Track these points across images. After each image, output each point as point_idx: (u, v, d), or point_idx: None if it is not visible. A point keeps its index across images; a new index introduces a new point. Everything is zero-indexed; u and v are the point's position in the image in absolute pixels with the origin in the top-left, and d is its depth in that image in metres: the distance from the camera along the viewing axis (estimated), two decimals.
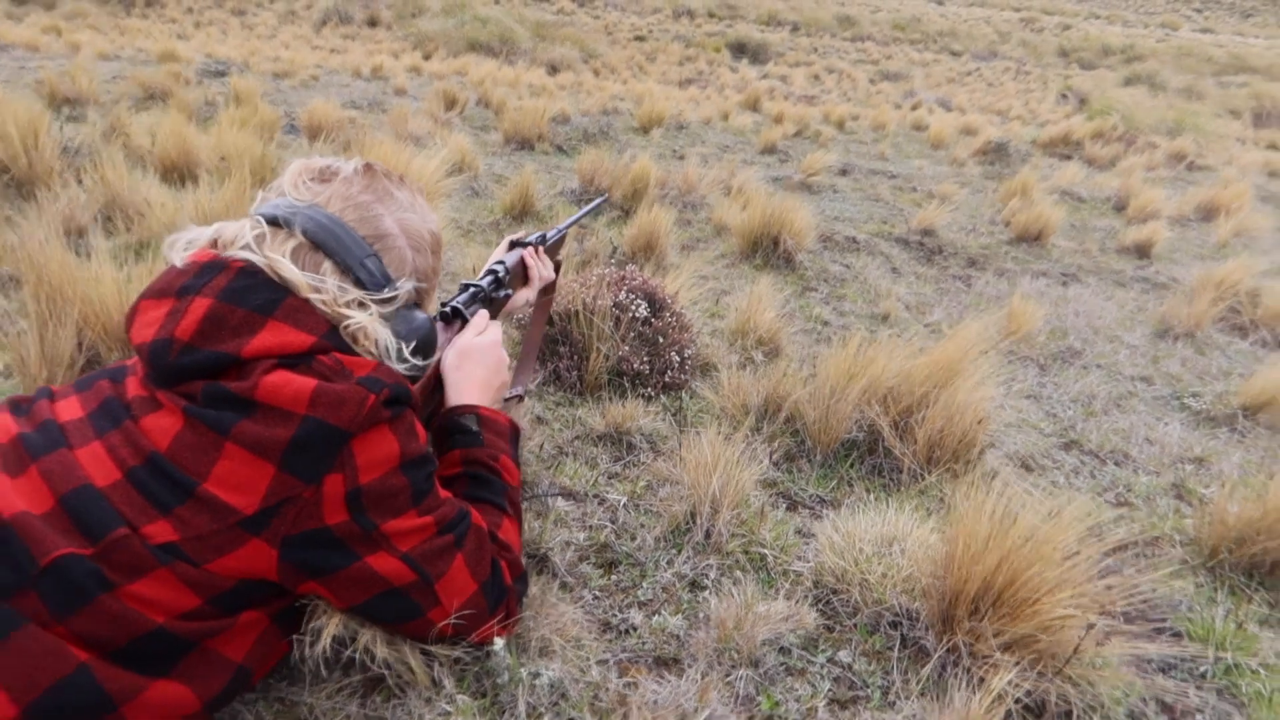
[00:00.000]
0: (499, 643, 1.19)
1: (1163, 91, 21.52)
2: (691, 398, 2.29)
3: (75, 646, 0.90)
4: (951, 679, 1.27)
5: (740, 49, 23.28)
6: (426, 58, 17.80)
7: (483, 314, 1.47)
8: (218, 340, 1.04)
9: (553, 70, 16.47)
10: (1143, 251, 5.65)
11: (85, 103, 6.06)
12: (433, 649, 1.17)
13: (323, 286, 1.11)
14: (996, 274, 4.97)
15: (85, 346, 1.76)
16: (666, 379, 2.31)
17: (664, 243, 3.76)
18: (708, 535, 1.60)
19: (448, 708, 1.14)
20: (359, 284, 1.15)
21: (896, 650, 1.39)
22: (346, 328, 1.11)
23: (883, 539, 1.55)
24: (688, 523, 1.64)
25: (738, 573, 1.54)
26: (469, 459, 1.29)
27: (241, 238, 1.12)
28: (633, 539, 1.61)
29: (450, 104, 7.97)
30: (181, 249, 1.14)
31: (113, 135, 4.28)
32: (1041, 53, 28.81)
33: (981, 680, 1.23)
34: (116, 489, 0.98)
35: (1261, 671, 1.54)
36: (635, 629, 1.38)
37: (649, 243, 3.69)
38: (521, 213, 4.38)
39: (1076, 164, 8.52)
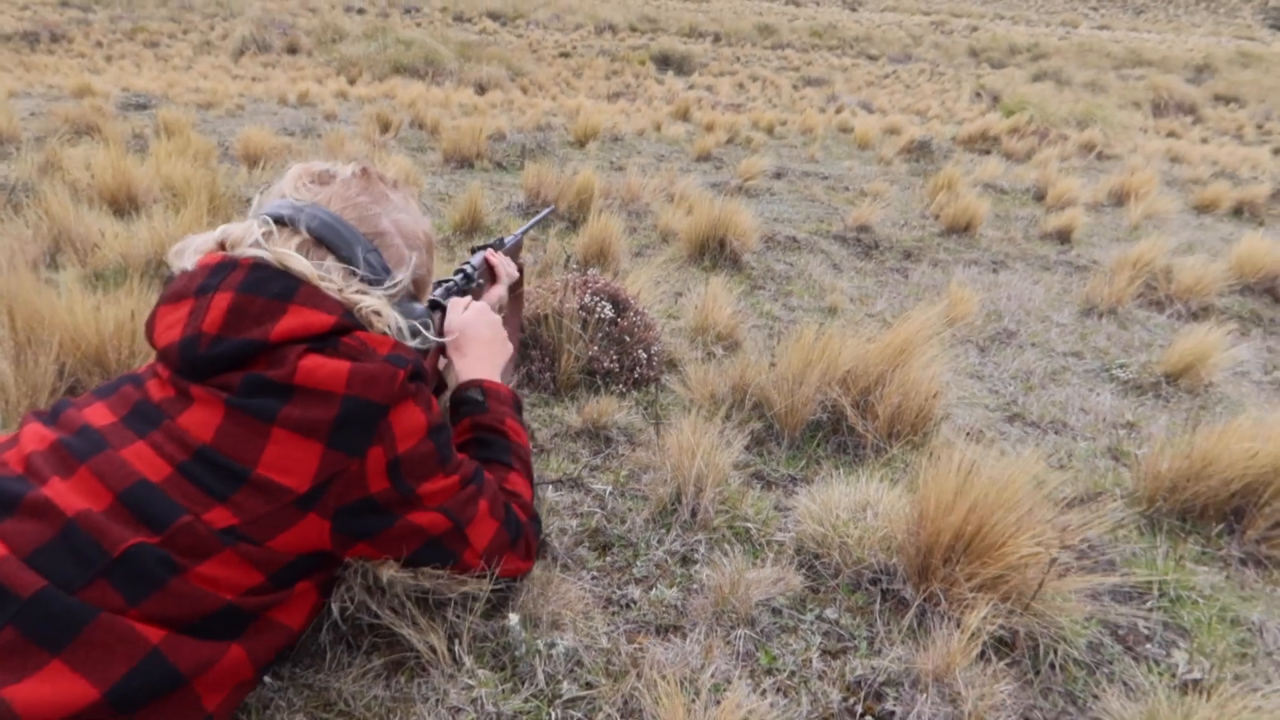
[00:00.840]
0: (514, 617, 1.26)
1: (1068, 86, 22.44)
2: (662, 391, 2.38)
3: (147, 629, 0.95)
4: (932, 622, 1.39)
5: (665, 61, 23.59)
6: (352, 82, 17.62)
7: (462, 299, 1.56)
8: (243, 329, 1.10)
9: (481, 90, 16.48)
10: (1063, 237, 5.94)
11: (5, 140, 5.92)
12: (454, 622, 1.24)
13: (329, 276, 1.18)
14: (931, 265, 5.19)
15: (65, 373, 1.78)
16: (636, 375, 2.40)
17: (616, 249, 3.86)
18: (693, 514, 1.70)
19: (470, 682, 1.21)
20: (360, 277, 1.22)
21: (878, 604, 1.50)
22: (360, 310, 1.18)
23: (857, 505, 1.67)
24: (673, 504, 1.73)
25: (725, 546, 1.63)
26: (476, 425, 1.40)
27: (249, 236, 1.19)
28: (623, 522, 1.70)
29: (385, 126, 7.96)
30: (191, 255, 1.20)
31: (49, 170, 4.21)
32: (953, 54, 29.81)
33: (958, 622, 1.34)
34: (169, 483, 1.03)
35: (1200, 601, 1.69)
36: (635, 602, 1.46)
37: (602, 250, 3.78)
38: (471, 228, 4.43)
39: (996, 158, 8.89)
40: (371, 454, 1.10)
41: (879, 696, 1.29)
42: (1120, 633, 1.55)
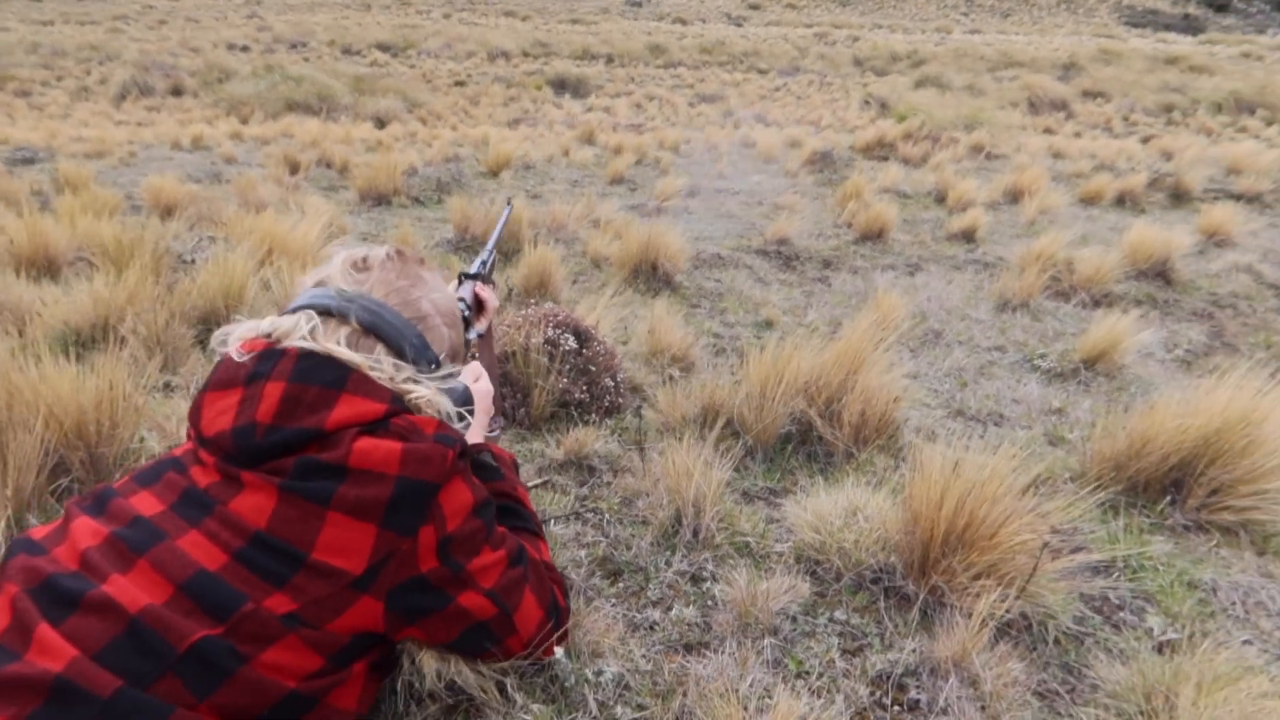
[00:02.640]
0: (559, 650, 1.31)
1: (950, 90, 23.51)
2: (634, 416, 2.45)
3: None
4: (937, 613, 1.49)
5: (561, 85, 23.74)
6: (244, 122, 17.17)
7: (475, 365, 1.59)
8: (298, 418, 1.12)
9: (380, 123, 16.28)
10: (968, 236, 6.27)
11: None
12: (504, 666, 1.27)
13: (379, 366, 1.21)
14: (850, 272, 5.41)
15: (50, 451, 1.73)
16: (607, 404, 2.47)
17: (556, 278, 3.91)
18: (695, 533, 1.77)
19: (525, 717, 1.25)
20: (409, 361, 1.25)
21: (882, 601, 1.60)
22: (412, 399, 1.21)
23: (847, 510, 1.77)
24: (674, 525, 1.80)
25: (730, 561, 1.71)
26: (495, 491, 1.40)
27: (297, 330, 1.20)
28: (628, 548, 1.76)
29: (293, 167, 7.81)
30: (235, 342, 1.21)
31: None
32: (839, 64, 30.91)
33: (968, 611, 1.45)
34: (228, 570, 1.04)
35: (1159, 569, 1.85)
36: (658, 624, 1.52)
37: (542, 280, 3.83)
38: None
39: (895, 164, 9.29)
40: (423, 533, 1.13)
41: (901, 687, 1.39)
42: (1096, 605, 1.69)
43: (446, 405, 1.26)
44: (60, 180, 6.30)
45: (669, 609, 1.57)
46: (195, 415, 1.19)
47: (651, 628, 1.51)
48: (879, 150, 10.28)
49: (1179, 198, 8.17)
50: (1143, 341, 3.86)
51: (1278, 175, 9.23)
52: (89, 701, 0.90)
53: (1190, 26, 53.37)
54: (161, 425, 2.04)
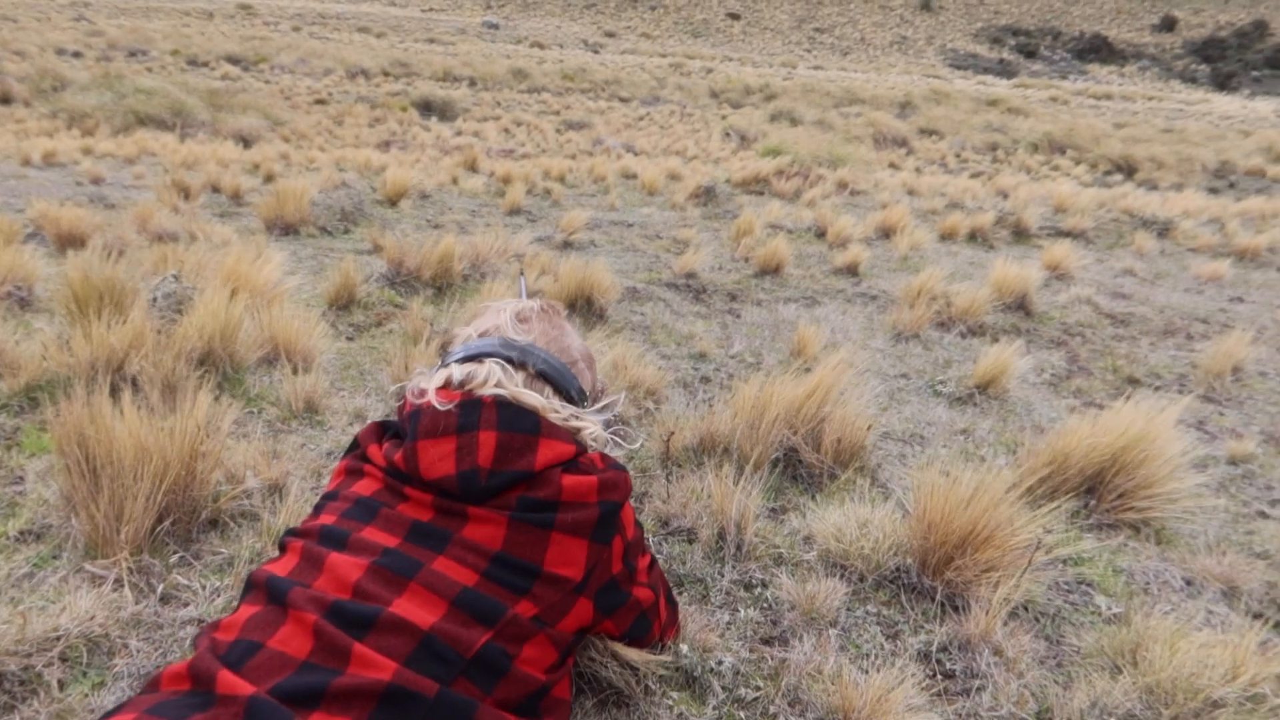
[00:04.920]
0: (684, 647, 1.60)
1: (802, 124, 24.98)
2: (642, 447, 2.74)
3: (504, 715, 1.20)
4: (956, 601, 1.88)
5: (427, 107, 23.61)
6: (88, 135, 16.18)
7: None
8: (511, 462, 1.37)
9: (245, 143, 15.72)
10: (852, 271, 6.90)
11: None
12: (638, 666, 1.55)
13: (556, 408, 1.47)
14: (755, 305, 5.88)
15: (153, 499, 1.85)
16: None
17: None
18: (738, 547, 2.09)
19: (669, 702, 1.53)
20: (571, 400, 1.52)
21: (903, 596, 1.97)
22: (581, 434, 1.48)
23: (859, 523, 2.14)
24: (718, 542, 2.11)
25: (772, 570, 2.04)
26: None
27: (490, 378, 1.45)
28: (683, 564, 2.05)
29: (185, 193, 7.59)
30: (432, 393, 1.44)
31: None
32: (696, 95, 32.18)
33: (977, 598, 1.84)
34: (482, 585, 1.28)
35: (1091, 559, 2.32)
36: (731, 623, 1.83)
37: None
38: (348, 302, 4.51)
39: (773, 200, 9.97)
40: (615, 542, 1.41)
41: (939, 660, 1.75)
42: (1053, 590, 2.13)
43: (604, 435, 1.54)
44: None
45: (735, 611, 1.88)
46: (412, 460, 1.40)
47: (728, 627, 1.82)
48: (755, 185, 10.96)
49: (1020, 234, 9.22)
50: (1021, 369, 4.49)
51: (1095, 214, 10.53)
52: (419, 702, 1.12)
53: (1005, 70, 58.72)
54: (224, 465, 2.16)
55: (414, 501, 1.38)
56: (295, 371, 2.99)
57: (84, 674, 1.52)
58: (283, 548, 1.38)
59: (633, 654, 1.50)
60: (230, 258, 3.64)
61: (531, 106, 26.57)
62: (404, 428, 1.47)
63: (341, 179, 10.08)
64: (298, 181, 7.47)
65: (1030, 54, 64.39)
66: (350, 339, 4.02)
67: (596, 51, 50.07)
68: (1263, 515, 2.99)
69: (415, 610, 1.22)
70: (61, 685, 1.48)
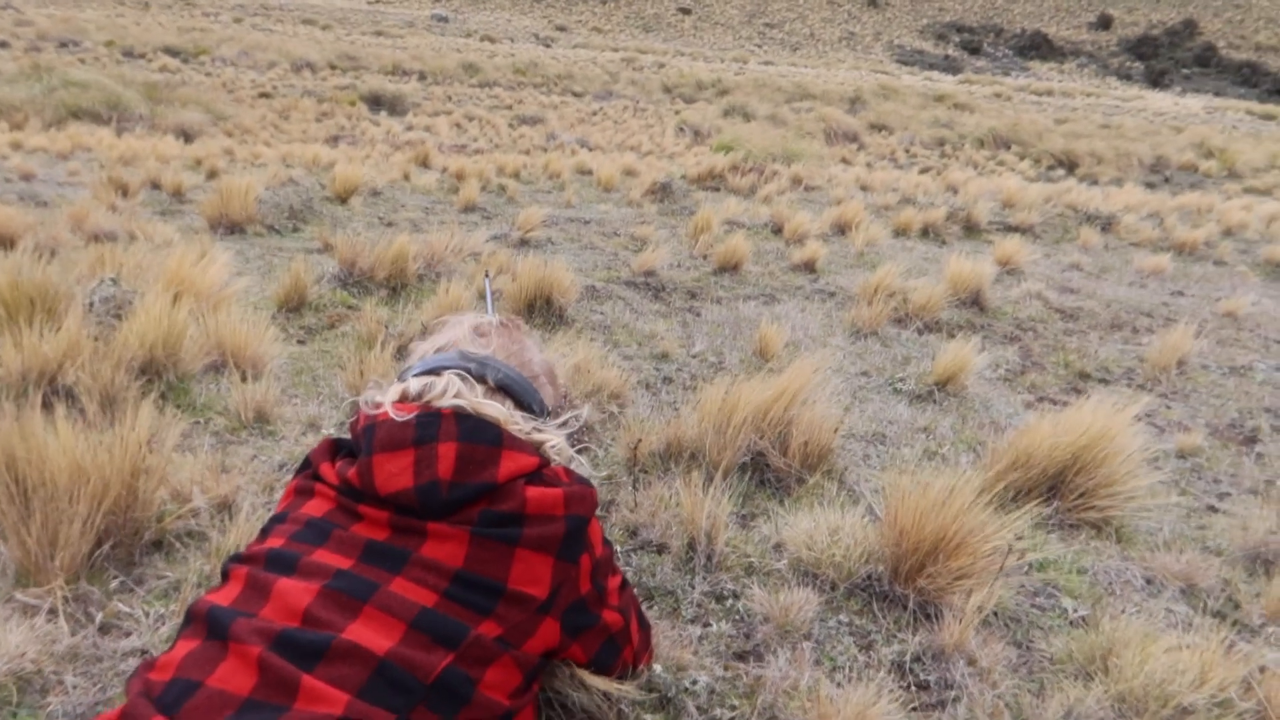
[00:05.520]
0: (658, 667, 1.55)
1: (754, 119, 25.08)
2: (606, 453, 2.69)
3: None
4: (928, 609, 1.86)
5: (377, 101, 23.21)
6: (17, 129, 15.58)
7: None
8: (474, 474, 1.30)
9: (186, 137, 15.28)
10: (810, 267, 6.92)
11: None
12: (611, 690, 1.50)
13: (517, 420, 1.41)
14: (715, 303, 5.85)
15: (91, 522, 1.74)
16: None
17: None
18: (709, 558, 2.05)
19: None
20: (532, 414, 1.46)
21: (875, 604, 1.95)
22: (544, 446, 1.42)
23: (830, 530, 2.11)
24: (688, 552, 2.06)
25: (743, 580, 2.00)
26: None
27: (449, 389, 1.38)
28: (653, 575, 2.01)
29: (123, 190, 7.32)
30: (388, 405, 1.37)
31: None
32: (649, 89, 32.14)
33: (950, 606, 1.82)
34: (442, 606, 1.21)
35: (1055, 560, 2.33)
36: (703, 638, 1.79)
37: None
38: (299, 304, 4.38)
39: (729, 196, 9.97)
40: (583, 560, 1.35)
41: (913, 671, 1.73)
42: (1019, 593, 2.13)
43: (568, 449, 1.48)
44: None
45: (708, 624, 1.84)
46: (367, 475, 1.33)
47: (700, 641, 1.78)
48: (711, 181, 10.96)
49: (971, 229, 9.34)
50: (978, 365, 4.52)
51: (1042, 209, 10.73)
52: None
53: (950, 66, 59.73)
54: (169, 482, 2.06)
55: (369, 521, 1.31)
56: (244, 379, 2.87)
57: (13, 715, 1.42)
58: (226, 575, 1.30)
59: (599, 682, 1.44)
60: (173, 259, 3.50)
61: (483, 101, 26.27)
62: (358, 443, 1.40)
63: (289, 175, 9.83)
64: (243, 178, 7.24)
65: (974, 50, 65.67)
66: (302, 343, 3.90)
67: (548, 45, 49.75)
68: (1212, 510, 3.05)
69: (370, 635, 1.16)
70: None
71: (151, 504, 1.89)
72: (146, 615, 1.69)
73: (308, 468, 1.46)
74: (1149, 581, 2.31)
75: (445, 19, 54.31)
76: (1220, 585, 2.34)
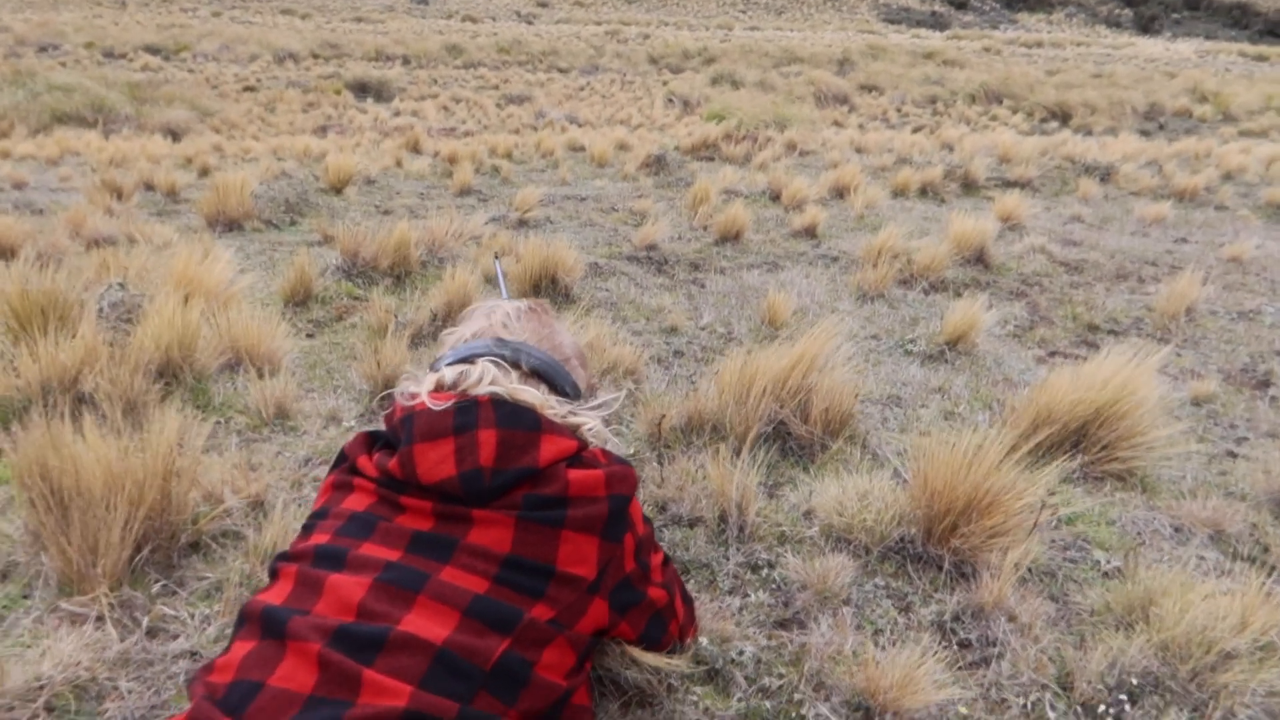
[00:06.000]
0: (704, 640, 1.56)
1: (744, 86, 24.86)
2: (628, 429, 2.69)
3: None
4: (965, 569, 1.87)
5: (362, 89, 23.01)
6: (3, 136, 15.49)
7: None
8: (515, 459, 1.31)
9: (173, 136, 15.17)
10: (811, 233, 6.89)
11: None
12: (661, 665, 1.51)
13: (553, 404, 1.41)
14: (719, 273, 5.84)
15: (131, 527, 1.75)
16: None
17: (475, 301, 4.04)
18: (741, 529, 2.05)
19: (693, 698, 1.50)
20: (566, 397, 1.46)
21: (909, 566, 1.96)
22: (580, 429, 1.42)
23: (859, 495, 2.12)
24: (720, 524, 2.07)
25: (777, 549, 2.01)
26: None
27: (485, 377, 1.39)
28: (686, 549, 2.02)
29: (118, 193, 7.28)
30: (425, 395, 1.37)
31: None
32: (635, 61, 31.84)
33: (988, 565, 1.83)
34: (494, 591, 1.22)
35: (1088, 512, 2.34)
36: (743, 608, 1.80)
37: (465, 303, 3.95)
38: (305, 298, 4.37)
39: (725, 165, 9.91)
40: (626, 539, 1.36)
41: (954, 630, 1.75)
42: (1051, 546, 2.14)
43: (604, 431, 1.49)
44: None
45: (746, 595, 1.85)
46: (409, 465, 1.33)
47: (740, 611, 1.79)
48: (704, 151, 10.88)
49: (969, 187, 9.30)
50: (986, 322, 4.52)
51: (1039, 162, 10.67)
52: None
53: (937, 22, 59.10)
54: (200, 483, 2.06)
55: (412, 511, 1.32)
56: (261, 376, 2.87)
57: None
58: (274, 574, 1.31)
59: (649, 658, 1.45)
60: (179, 259, 3.48)
61: (469, 82, 26.04)
62: (396, 434, 1.40)
63: (281, 168, 9.78)
64: (236, 174, 7.19)
65: (960, 5, 64.99)
66: (312, 336, 3.90)
67: (530, 22, 49.24)
68: (1231, 455, 3.06)
69: (426, 625, 1.16)
70: None
71: (185, 506, 1.89)
72: (192, 617, 1.70)
73: (344, 461, 1.46)
74: (1177, 530, 2.32)
75: (425, 1, 53.71)
76: (1248, 530, 2.36)
